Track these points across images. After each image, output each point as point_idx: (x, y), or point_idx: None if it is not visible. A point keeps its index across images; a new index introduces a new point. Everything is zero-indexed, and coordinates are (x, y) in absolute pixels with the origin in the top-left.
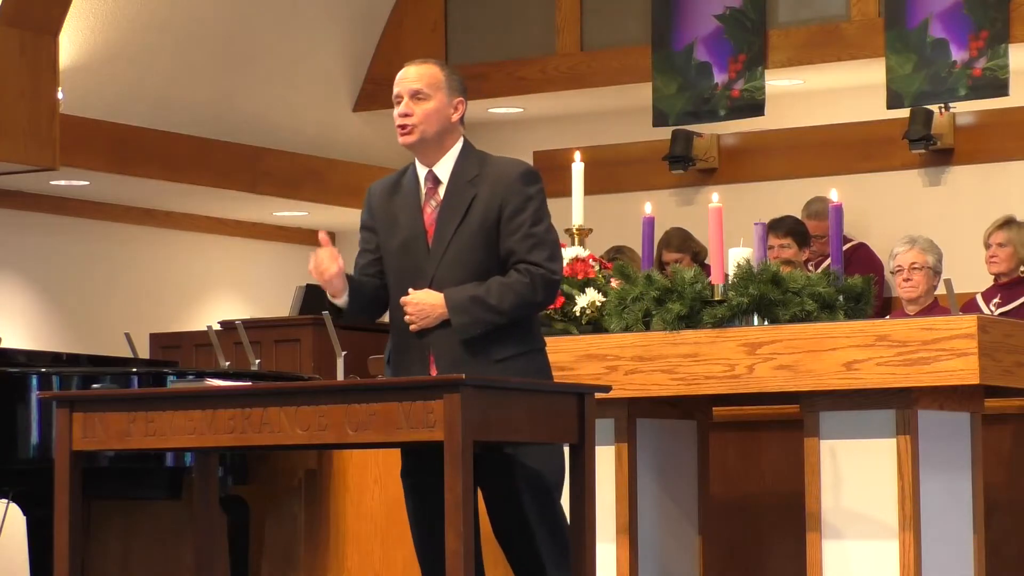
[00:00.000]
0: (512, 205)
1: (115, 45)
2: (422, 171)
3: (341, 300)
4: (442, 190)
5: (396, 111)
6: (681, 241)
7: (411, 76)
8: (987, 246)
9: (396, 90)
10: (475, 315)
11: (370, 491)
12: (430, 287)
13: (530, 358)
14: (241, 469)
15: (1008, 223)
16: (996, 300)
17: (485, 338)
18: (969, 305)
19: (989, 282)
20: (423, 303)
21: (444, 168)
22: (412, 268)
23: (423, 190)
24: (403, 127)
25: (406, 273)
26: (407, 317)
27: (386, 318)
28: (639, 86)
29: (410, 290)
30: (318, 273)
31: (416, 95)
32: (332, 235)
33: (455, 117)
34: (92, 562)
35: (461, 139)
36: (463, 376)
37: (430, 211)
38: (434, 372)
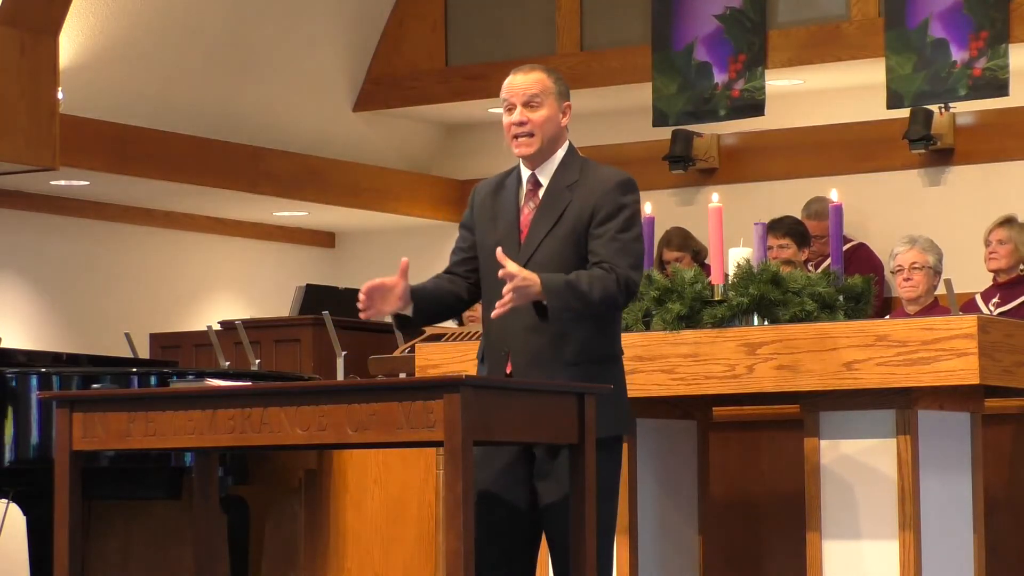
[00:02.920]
0: (604, 211)
1: (115, 45)
2: (525, 173)
3: (408, 311)
4: (542, 192)
5: (509, 119)
6: (682, 240)
7: (523, 84)
8: (987, 243)
9: (506, 97)
10: (567, 300)
11: (370, 491)
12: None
13: (605, 365)
14: (241, 469)
15: (1010, 221)
16: (995, 300)
17: (563, 340)
18: (968, 305)
19: (989, 281)
20: (529, 279)
21: (547, 171)
22: (501, 268)
23: (524, 191)
24: (520, 136)
25: (496, 273)
26: (507, 287)
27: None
28: (639, 86)
29: (503, 263)
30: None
31: (529, 103)
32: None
33: (564, 122)
34: (92, 562)
35: (567, 143)
36: (463, 376)
37: (528, 212)
38: (509, 370)
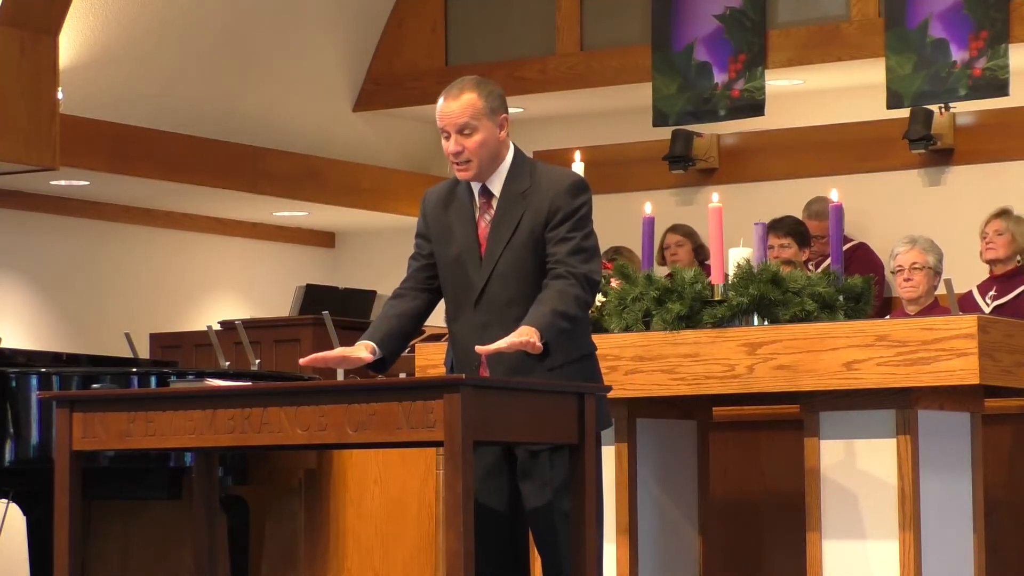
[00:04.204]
0: (559, 215)
1: (115, 45)
2: (476, 184)
3: (376, 357)
4: (495, 203)
5: (445, 146)
6: (687, 230)
7: (454, 112)
8: (983, 235)
9: (440, 124)
10: (560, 327)
11: (370, 491)
12: (480, 299)
13: (581, 365)
14: (241, 469)
15: (1006, 213)
16: (992, 293)
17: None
18: (965, 299)
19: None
20: (533, 343)
21: (497, 182)
22: (464, 281)
23: (477, 203)
24: (458, 165)
25: (459, 286)
26: (514, 344)
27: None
28: (639, 86)
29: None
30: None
31: (462, 130)
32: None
33: (503, 135)
34: (92, 562)
35: (511, 150)
36: (463, 376)
37: (484, 225)
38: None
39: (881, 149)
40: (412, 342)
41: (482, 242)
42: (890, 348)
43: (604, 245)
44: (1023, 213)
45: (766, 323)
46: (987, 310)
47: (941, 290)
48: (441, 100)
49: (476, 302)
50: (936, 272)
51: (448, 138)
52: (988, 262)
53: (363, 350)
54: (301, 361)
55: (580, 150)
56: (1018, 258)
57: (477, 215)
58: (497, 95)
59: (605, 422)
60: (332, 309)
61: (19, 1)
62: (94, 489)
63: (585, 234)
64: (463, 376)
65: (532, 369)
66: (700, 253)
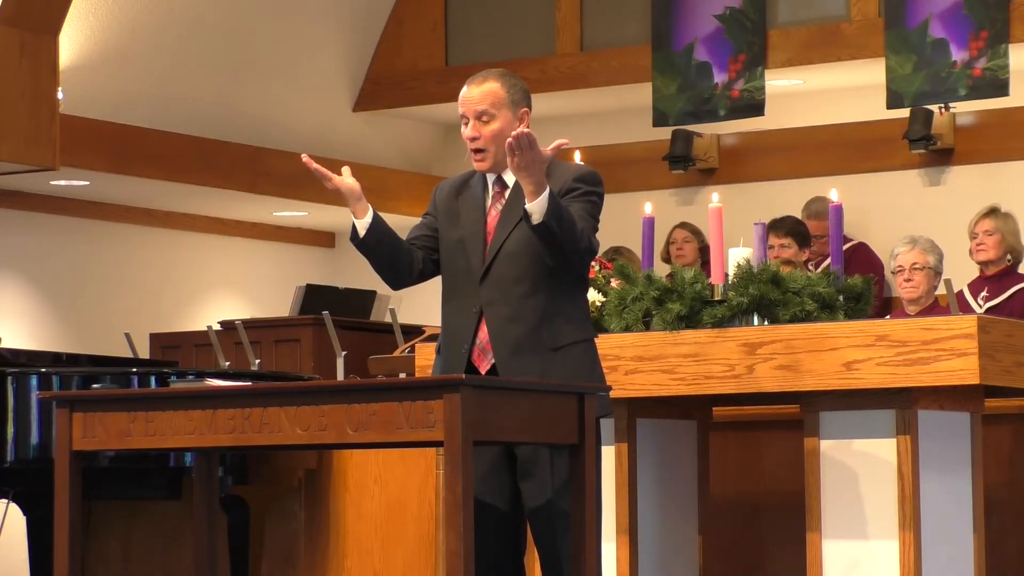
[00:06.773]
0: (571, 192)
1: (115, 45)
2: (491, 176)
3: (363, 220)
4: (508, 194)
5: (464, 132)
6: (695, 228)
7: (474, 97)
8: (973, 235)
9: (461, 110)
10: (559, 215)
11: (370, 491)
12: (485, 277)
13: (586, 347)
14: (241, 469)
15: (994, 211)
16: (984, 294)
17: (542, 327)
18: (955, 298)
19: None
20: (538, 154)
21: (512, 174)
22: (464, 264)
23: (490, 193)
24: (475, 153)
25: (459, 268)
26: (517, 133)
27: (384, 316)
28: (639, 86)
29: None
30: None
31: (481, 116)
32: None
33: (522, 128)
34: (92, 562)
35: None
36: (462, 376)
37: (495, 214)
38: (479, 358)
39: (881, 149)
40: (412, 342)
41: (491, 230)
42: (890, 348)
43: (604, 245)
44: (1022, 214)
45: (766, 323)
46: (979, 311)
47: (941, 290)
48: (465, 87)
49: (482, 279)
50: (936, 272)
51: (467, 124)
52: (980, 263)
53: (364, 205)
54: (304, 158)
55: (580, 150)
56: (1008, 257)
57: (489, 204)
58: (520, 89)
59: (605, 410)
60: (332, 309)
61: (19, 1)
62: (94, 489)
63: (591, 211)
64: (463, 376)
65: (535, 350)
66: (706, 254)
